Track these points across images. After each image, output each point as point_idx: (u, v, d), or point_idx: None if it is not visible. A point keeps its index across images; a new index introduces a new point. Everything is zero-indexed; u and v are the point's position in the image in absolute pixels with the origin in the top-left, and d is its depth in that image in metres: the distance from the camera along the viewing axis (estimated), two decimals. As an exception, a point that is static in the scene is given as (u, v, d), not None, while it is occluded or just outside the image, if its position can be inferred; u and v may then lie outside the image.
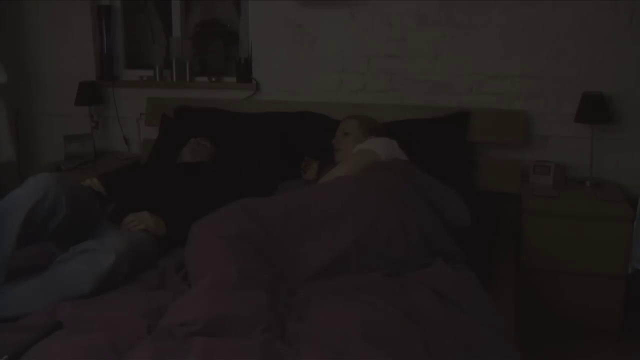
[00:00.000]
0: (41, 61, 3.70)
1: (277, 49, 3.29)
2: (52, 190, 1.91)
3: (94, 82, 3.59)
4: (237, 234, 1.88)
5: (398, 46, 3.11)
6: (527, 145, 2.99)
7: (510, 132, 2.93)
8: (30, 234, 1.88)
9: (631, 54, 2.82)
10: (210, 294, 1.60)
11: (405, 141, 2.62)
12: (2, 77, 3.29)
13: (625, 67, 2.83)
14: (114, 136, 3.68)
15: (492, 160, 2.98)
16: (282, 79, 3.31)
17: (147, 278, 1.91)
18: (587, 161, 2.88)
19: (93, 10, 3.57)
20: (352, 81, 3.20)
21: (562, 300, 2.61)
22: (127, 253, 1.86)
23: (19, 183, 1.95)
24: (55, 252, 1.94)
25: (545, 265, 2.61)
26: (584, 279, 2.58)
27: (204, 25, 3.82)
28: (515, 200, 2.78)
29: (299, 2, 3.20)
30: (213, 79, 3.49)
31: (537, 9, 2.89)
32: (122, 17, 3.66)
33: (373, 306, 1.62)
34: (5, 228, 1.79)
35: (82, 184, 2.36)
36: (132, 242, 1.94)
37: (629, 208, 2.55)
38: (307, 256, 1.88)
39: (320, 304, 1.65)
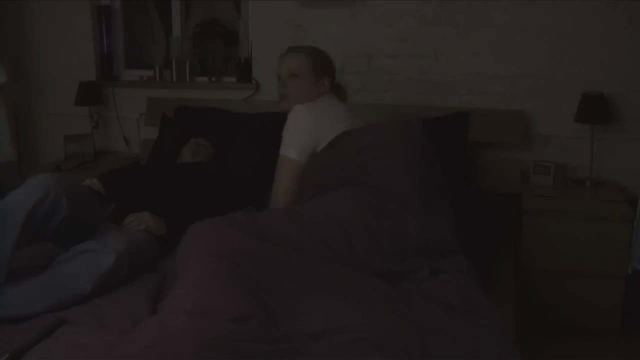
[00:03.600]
0: (41, 61, 3.70)
1: (277, 49, 3.27)
2: (53, 191, 1.90)
3: (94, 82, 3.59)
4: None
5: (398, 46, 3.11)
6: (527, 145, 2.99)
7: (510, 132, 2.93)
8: (31, 234, 1.88)
9: (631, 54, 2.81)
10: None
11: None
12: (2, 77, 3.29)
13: (625, 67, 2.83)
14: (114, 136, 3.68)
15: (492, 160, 2.98)
16: (282, 79, 3.31)
17: (147, 278, 1.91)
18: (587, 161, 2.89)
19: (93, 10, 3.57)
20: (352, 81, 3.20)
21: (562, 300, 2.62)
22: (127, 253, 1.86)
23: (19, 183, 1.95)
24: (55, 252, 1.94)
25: (545, 265, 2.61)
26: (584, 279, 2.58)
27: (204, 25, 3.82)
28: (516, 200, 2.78)
29: (299, 2, 3.20)
30: (213, 79, 3.49)
31: (537, 9, 2.89)
32: (122, 17, 3.67)
33: (370, 308, 1.62)
34: (5, 228, 1.79)
35: (82, 184, 2.36)
36: (132, 242, 1.94)
37: (629, 208, 2.55)
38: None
39: (318, 306, 1.64)
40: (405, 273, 1.86)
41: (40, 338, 1.53)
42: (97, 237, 2.00)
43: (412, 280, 1.86)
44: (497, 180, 2.90)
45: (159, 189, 2.42)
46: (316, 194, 2.09)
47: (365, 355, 1.42)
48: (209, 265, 1.65)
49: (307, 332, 1.50)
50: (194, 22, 3.78)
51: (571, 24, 2.87)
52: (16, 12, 3.65)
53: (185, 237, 1.88)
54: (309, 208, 2.00)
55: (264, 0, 3.27)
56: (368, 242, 1.87)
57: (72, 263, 1.80)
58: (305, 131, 2.21)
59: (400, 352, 1.44)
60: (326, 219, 1.92)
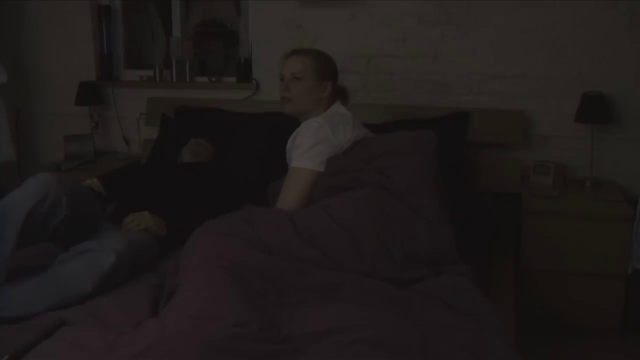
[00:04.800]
0: (41, 61, 3.70)
1: (277, 49, 3.26)
2: (52, 191, 1.90)
3: (94, 82, 3.59)
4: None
5: (398, 46, 3.11)
6: (527, 145, 2.99)
7: (510, 132, 2.93)
8: (30, 234, 1.87)
9: (631, 54, 2.81)
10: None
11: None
12: (2, 77, 3.29)
13: (625, 67, 2.83)
14: (114, 136, 3.68)
15: (492, 160, 2.98)
16: (282, 79, 3.31)
17: (147, 278, 1.91)
18: (587, 161, 2.89)
19: (93, 10, 3.57)
20: (352, 81, 3.19)
21: (562, 300, 2.62)
22: (127, 253, 1.86)
23: (19, 183, 1.95)
24: (55, 252, 1.94)
25: (545, 265, 2.61)
26: (583, 279, 2.58)
27: (204, 25, 3.82)
28: (515, 200, 2.78)
29: (299, 2, 3.20)
30: (213, 79, 3.50)
31: (537, 9, 2.89)
32: (122, 17, 3.66)
33: (371, 309, 1.61)
34: (5, 228, 1.79)
35: (82, 184, 2.36)
36: (132, 242, 1.94)
37: (629, 208, 2.55)
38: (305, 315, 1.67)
39: (319, 310, 1.63)
40: (412, 281, 1.86)
41: (40, 338, 1.53)
42: (97, 237, 1.99)
43: (416, 284, 1.85)
44: (497, 180, 2.90)
45: (159, 189, 2.42)
46: (328, 195, 2.09)
47: (366, 355, 1.42)
48: (210, 275, 1.65)
49: (308, 333, 1.50)
50: (194, 22, 3.78)
51: (571, 24, 2.87)
52: (16, 12, 3.65)
53: (187, 246, 1.88)
54: (316, 213, 1.99)
55: (264, 0, 3.27)
56: (377, 249, 1.86)
57: (72, 263, 1.81)
58: (325, 144, 2.19)
59: (401, 352, 1.44)
60: (334, 225, 1.91)
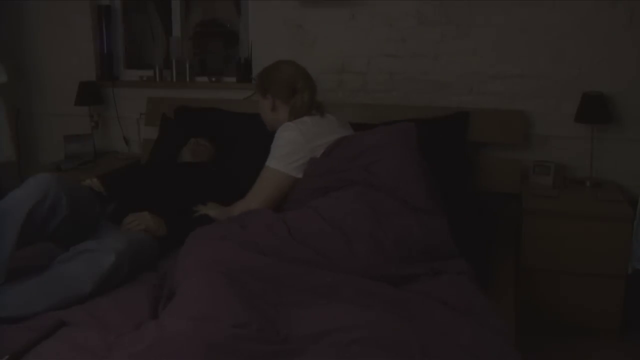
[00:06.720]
0: (41, 61, 3.70)
1: (277, 49, 3.29)
2: (52, 191, 1.91)
3: (94, 82, 3.59)
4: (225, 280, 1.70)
5: (398, 46, 3.11)
6: (527, 145, 2.99)
7: (510, 132, 2.93)
8: (30, 234, 1.88)
9: (631, 54, 2.81)
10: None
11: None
12: (2, 77, 3.29)
13: (625, 67, 2.83)
14: (114, 136, 3.69)
15: (492, 160, 2.98)
16: (282, 79, 3.31)
17: (147, 278, 1.91)
18: (587, 161, 2.89)
19: (93, 10, 3.57)
20: (352, 81, 3.20)
21: (562, 300, 2.62)
22: (127, 253, 1.86)
23: (19, 183, 1.95)
24: (55, 252, 1.94)
25: (545, 265, 2.61)
26: (583, 279, 2.58)
27: (204, 25, 3.83)
28: (515, 200, 2.78)
29: (299, 2, 3.20)
30: (213, 79, 3.50)
31: (537, 9, 2.89)
32: (122, 17, 3.67)
33: (370, 309, 1.61)
34: (5, 228, 1.79)
35: (82, 184, 2.36)
36: (132, 242, 1.94)
37: (629, 208, 2.55)
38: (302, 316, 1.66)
39: (318, 311, 1.63)
40: (408, 277, 1.86)
41: (40, 338, 1.54)
42: (97, 237, 2.00)
43: (414, 283, 1.85)
44: (497, 180, 2.90)
45: (159, 189, 2.42)
46: (317, 197, 2.09)
47: (365, 355, 1.42)
48: (207, 278, 1.65)
49: (306, 334, 1.50)
50: (194, 22, 3.79)
51: (571, 23, 2.87)
52: (16, 12, 3.65)
53: (182, 251, 1.87)
54: (307, 215, 1.98)
55: (264, 0, 3.27)
56: (370, 247, 1.86)
57: (72, 263, 1.81)
58: (294, 144, 2.23)
59: (400, 352, 1.44)
60: (325, 226, 1.91)
